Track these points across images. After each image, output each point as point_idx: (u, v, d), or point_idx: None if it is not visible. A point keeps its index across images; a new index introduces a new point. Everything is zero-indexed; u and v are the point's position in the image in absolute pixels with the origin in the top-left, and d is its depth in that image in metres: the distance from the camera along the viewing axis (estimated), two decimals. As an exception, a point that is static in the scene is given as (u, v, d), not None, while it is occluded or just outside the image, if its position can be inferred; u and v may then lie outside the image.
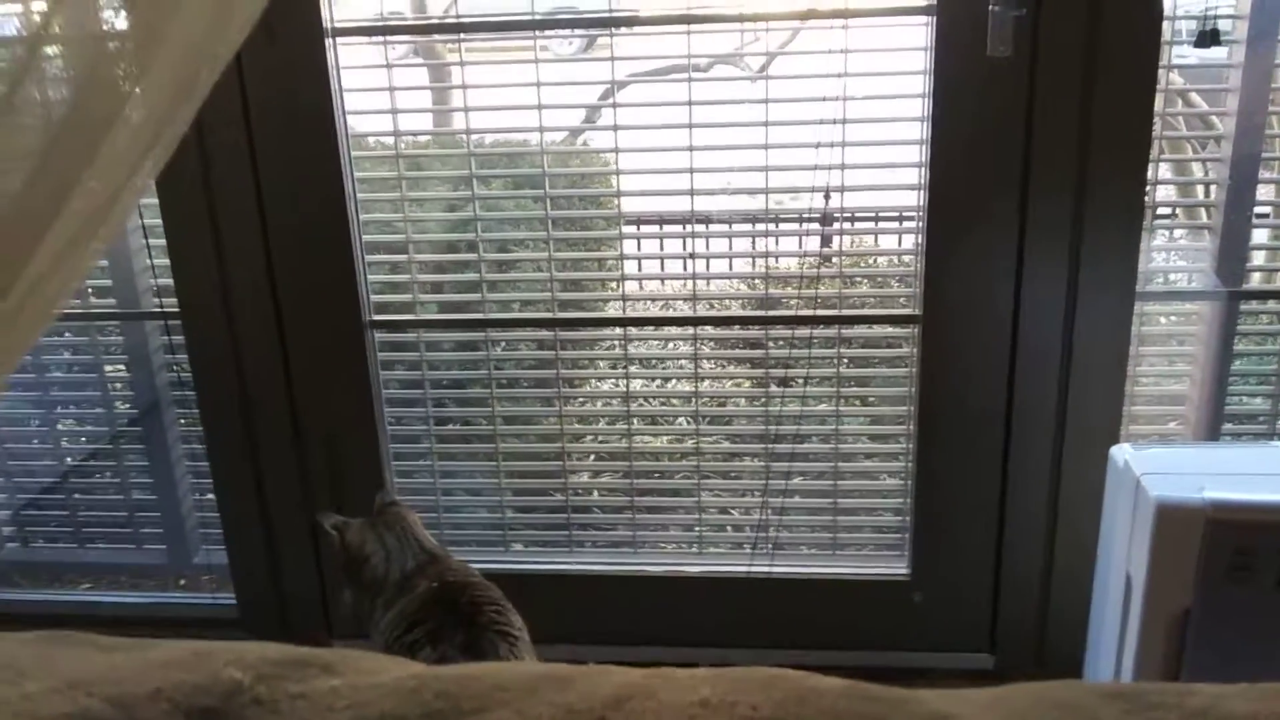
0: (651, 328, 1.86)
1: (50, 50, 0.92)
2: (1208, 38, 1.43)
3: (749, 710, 0.64)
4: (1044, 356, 1.63)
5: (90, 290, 1.94)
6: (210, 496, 1.92)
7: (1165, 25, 1.47)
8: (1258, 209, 1.65)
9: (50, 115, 0.90)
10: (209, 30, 0.81)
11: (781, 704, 0.64)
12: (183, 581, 2.12)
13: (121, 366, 2.03)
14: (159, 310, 1.86)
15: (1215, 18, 1.45)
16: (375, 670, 0.70)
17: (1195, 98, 1.71)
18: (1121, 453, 1.46)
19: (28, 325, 1.06)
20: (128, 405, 2.03)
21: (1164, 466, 1.40)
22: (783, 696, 0.65)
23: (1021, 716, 0.62)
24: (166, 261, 1.76)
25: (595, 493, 1.93)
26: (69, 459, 2.07)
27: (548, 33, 1.68)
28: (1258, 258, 1.76)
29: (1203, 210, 1.76)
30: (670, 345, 1.87)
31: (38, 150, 0.90)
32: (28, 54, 0.92)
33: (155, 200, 1.72)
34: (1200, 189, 1.75)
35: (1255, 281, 1.73)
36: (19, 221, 0.94)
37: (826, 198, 1.65)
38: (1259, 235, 1.71)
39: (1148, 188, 1.56)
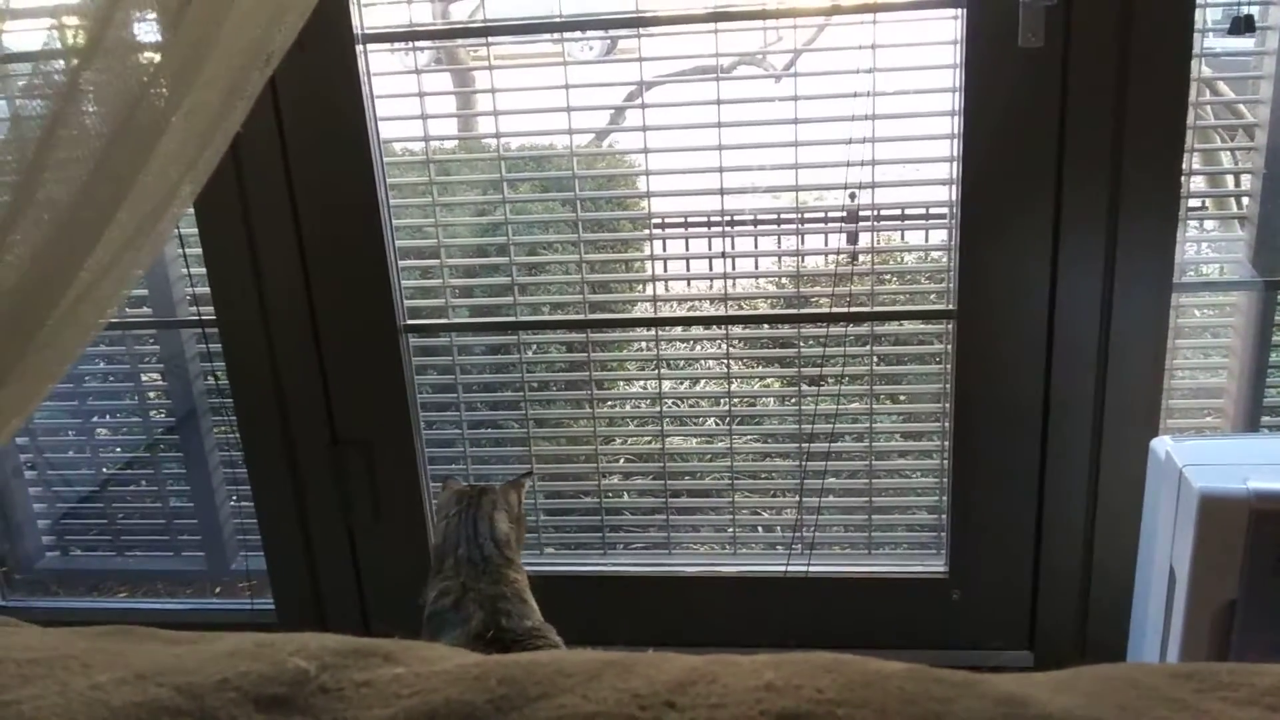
0: (682, 328, 1.86)
1: (101, 60, 0.94)
2: (1242, 24, 1.42)
3: (815, 693, 0.64)
4: (1081, 350, 1.62)
5: (126, 299, 1.96)
6: (247, 503, 1.94)
7: (1196, 13, 1.46)
8: (1294, 198, 1.63)
9: (103, 124, 0.91)
10: (263, 30, 0.82)
11: (847, 686, 0.64)
12: (218, 589, 2.13)
13: (158, 375, 2.05)
14: (195, 318, 1.87)
15: (1249, 3, 1.44)
16: (437, 659, 0.71)
17: (1223, 86, 1.69)
18: (1163, 445, 1.45)
19: (78, 333, 1.08)
20: (164, 413, 2.05)
21: (1206, 458, 1.39)
22: (847, 680, 0.65)
23: (1093, 697, 0.62)
24: (202, 270, 1.78)
25: (627, 494, 1.93)
26: (106, 468, 2.09)
27: (570, 35, 1.69)
28: (1294, 247, 1.75)
29: (1233, 200, 1.75)
30: (701, 346, 1.87)
31: (91, 158, 0.91)
32: (78, 66, 0.94)
33: (190, 209, 1.74)
34: (1234, 179, 1.74)
35: (1292, 271, 1.72)
36: (72, 229, 0.95)
37: (853, 196, 1.65)
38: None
39: (1183, 178, 1.55)
